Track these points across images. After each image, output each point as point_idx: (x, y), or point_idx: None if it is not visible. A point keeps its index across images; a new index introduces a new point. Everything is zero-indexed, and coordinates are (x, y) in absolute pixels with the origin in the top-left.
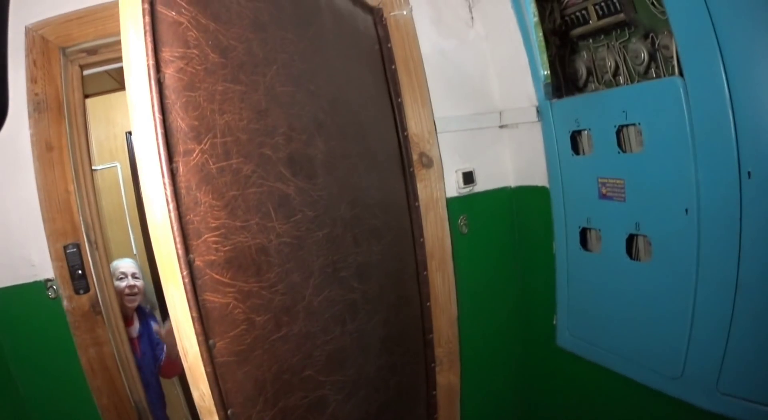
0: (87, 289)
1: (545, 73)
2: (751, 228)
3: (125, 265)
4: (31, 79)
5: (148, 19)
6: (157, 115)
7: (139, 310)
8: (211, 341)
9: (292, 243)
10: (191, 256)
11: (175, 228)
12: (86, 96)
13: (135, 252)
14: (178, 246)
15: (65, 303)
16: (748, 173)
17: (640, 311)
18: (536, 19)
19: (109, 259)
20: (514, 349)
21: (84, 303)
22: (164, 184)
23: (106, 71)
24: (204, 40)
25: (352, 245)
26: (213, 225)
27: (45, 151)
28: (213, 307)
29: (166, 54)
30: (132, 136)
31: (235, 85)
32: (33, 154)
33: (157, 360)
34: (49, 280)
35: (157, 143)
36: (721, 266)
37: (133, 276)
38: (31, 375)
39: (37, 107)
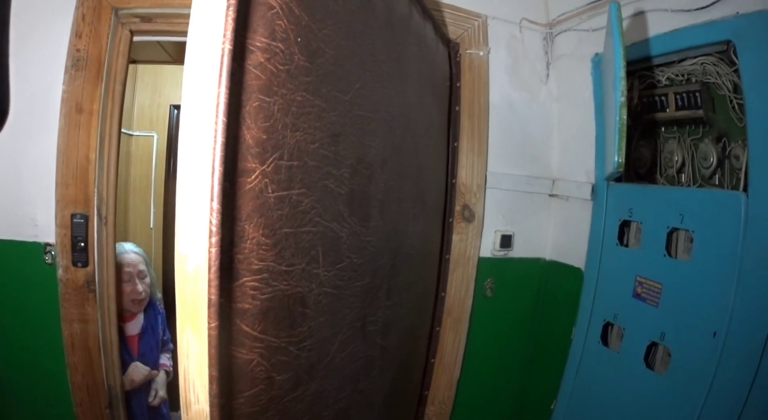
0: (86, 264)
1: (619, 160)
2: None
3: (131, 258)
4: (76, 34)
5: None
6: (221, 118)
7: (149, 305)
8: (223, 401)
9: (332, 293)
10: (224, 302)
11: (213, 267)
12: (134, 61)
13: (152, 226)
14: (212, 290)
15: (60, 272)
16: None
17: None
18: (623, 99)
19: (117, 237)
20: None
21: (79, 277)
22: (211, 209)
23: (158, 42)
24: (293, 34)
25: (384, 298)
26: (256, 267)
27: (74, 111)
28: (234, 364)
29: (247, 41)
30: (179, 112)
31: (315, 99)
32: (60, 112)
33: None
34: (48, 244)
35: (213, 154)
36: (732, 393)
37: (140, 275)
38: (8, 332)
39: (75, 63)
